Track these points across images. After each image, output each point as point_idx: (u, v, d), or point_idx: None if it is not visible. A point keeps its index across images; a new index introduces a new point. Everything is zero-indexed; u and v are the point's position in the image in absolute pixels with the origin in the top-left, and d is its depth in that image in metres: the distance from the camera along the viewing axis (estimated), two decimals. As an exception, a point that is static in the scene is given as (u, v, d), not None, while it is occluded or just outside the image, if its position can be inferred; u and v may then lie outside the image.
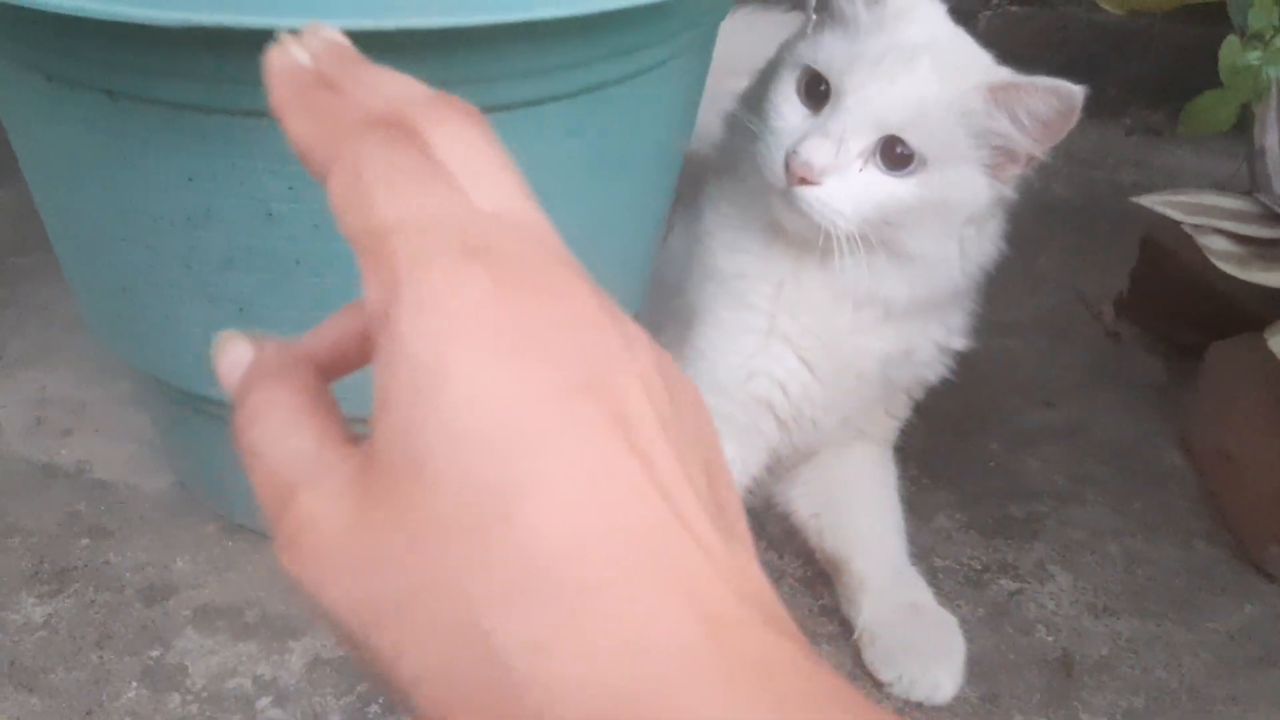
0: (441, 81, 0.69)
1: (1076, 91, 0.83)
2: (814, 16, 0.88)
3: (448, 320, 0.27)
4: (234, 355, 0.32)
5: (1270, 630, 1.01)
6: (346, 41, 0.34)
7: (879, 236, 0.88)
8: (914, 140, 0.85)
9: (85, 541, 1.00)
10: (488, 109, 0.73)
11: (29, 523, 1.01)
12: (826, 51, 0.87)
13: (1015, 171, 0.89)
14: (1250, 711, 0.93)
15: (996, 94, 0.84)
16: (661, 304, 1.05)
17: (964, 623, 0.95)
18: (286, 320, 0.80)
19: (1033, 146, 0.86)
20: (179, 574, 0.97)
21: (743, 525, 0.32)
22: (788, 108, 0.89)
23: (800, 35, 0.92)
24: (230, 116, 0.70)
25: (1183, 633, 1.00)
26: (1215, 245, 0.90)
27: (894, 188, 0.86)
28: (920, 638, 0.93)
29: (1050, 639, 0.98)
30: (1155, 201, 0.92)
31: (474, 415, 0.26)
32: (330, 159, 0.31)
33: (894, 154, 0.86)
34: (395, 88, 0.32)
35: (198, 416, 0.92)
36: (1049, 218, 1.63)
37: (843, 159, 0.85)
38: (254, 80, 0.68)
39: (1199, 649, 0.98)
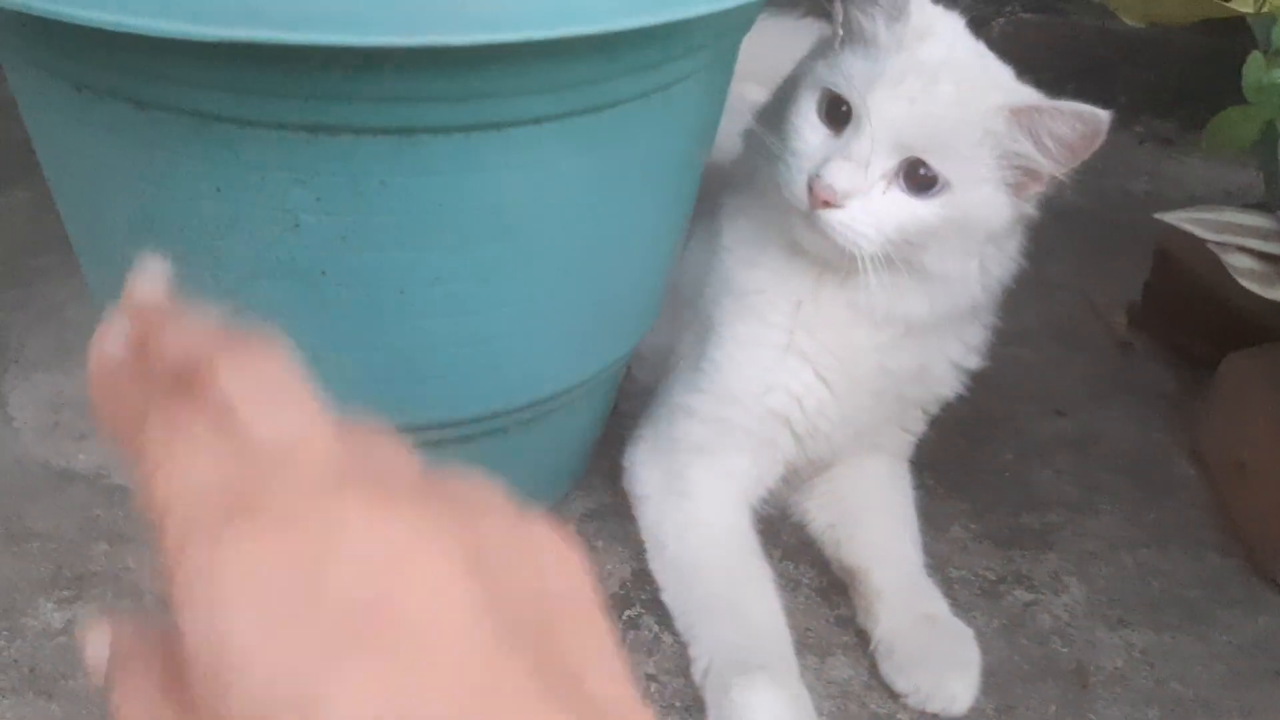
0: (464, 96, 0.70)
1: (1102, 116, 0.83)
2: (840, 33, 0.88)
3: (215, 597, 0.27)
4: (95, 645, 0.32)
5: (1282, 642, 1.01)
6: (158, 293, 0.35)
7: (901, 256, 0.88)
8: (936, 163, 0.85)
9: (104, 547, 1.00)
10: (507, 124, 0.74)
11: (46, 528, 1.01)
12: (846, 73, 0.86)
13: (1036, 190, 0.89)
14: (1264, 724, 0.93)
15: (1020, 116, 0.84)
16: (676, 315, 1.05)
17: (979, 634, 0.96)
18: (312, 330, 0.80)
19: (1055, 168, 0.86)
20: (197, 580, 0.97)
21: (616, 688, 0.31)
22: (808, 129, 0.89)
23: (819, 54, 0.92)
24: (259, 128, 0.70)
25: (1196, 644, 1.00)
26: (1239, 263, 0.90)
27: (917, 209, 0.86)
28: (936, 649, 0.93)
29: (1065, 650, 0.99)
30: (1179, 219, 0.92)
31: (257, 689, 0.27)
32: (130, 450, 0.32)
33: (917, 176, 0.85)
34: (193, 337, 0.33)
35: (218, 423, 0.92)
36: (1060, 225, 1.61)
37: (866, 182, 0.85)
38: (282, 93, 0.69)
39: (1212, 661, 0.99)
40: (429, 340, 0.82)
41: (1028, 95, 0.87)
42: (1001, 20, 1.89)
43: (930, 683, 0.91)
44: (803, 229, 0.90)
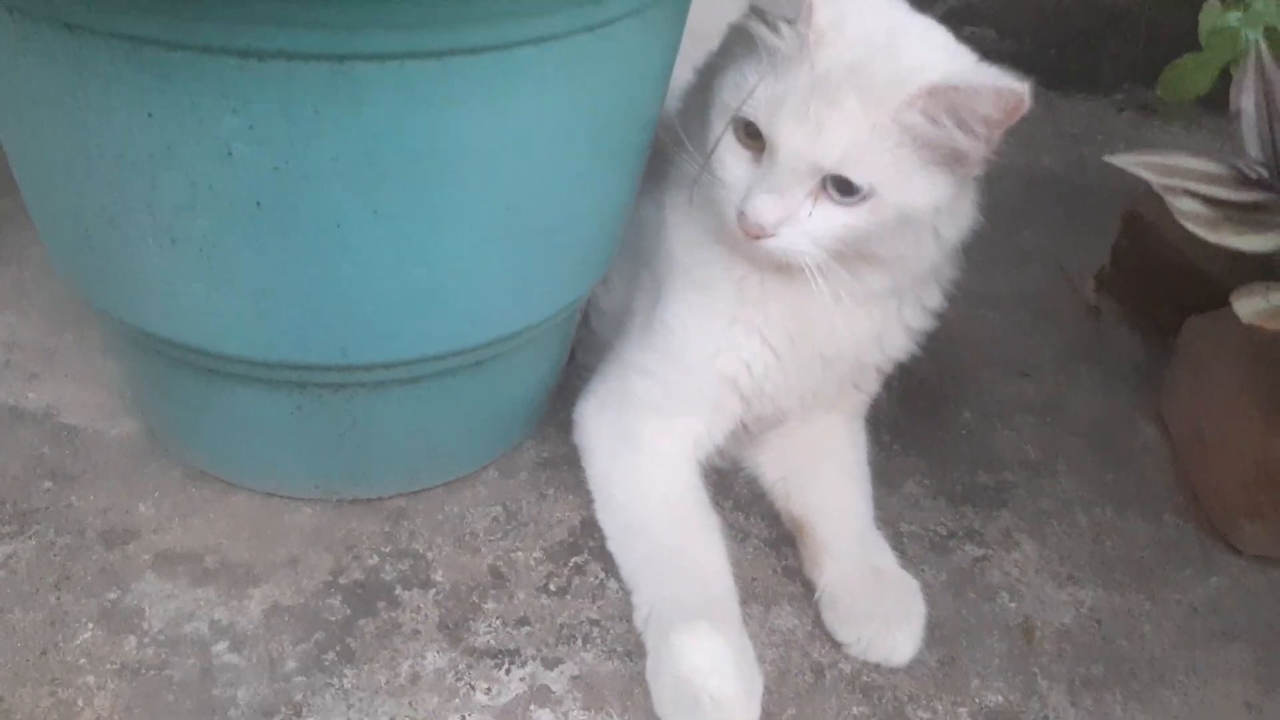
0: (414, 21, 0.69)
1: (1020, 90, 0.79)
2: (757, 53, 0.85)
3: None
4: None
5: (1233, 604, 1.01)
6: None
7: (851, 252, 0.88)
8: (855, 176, 0.83)
9: (48, 484, 1.00)
10: (443, 53, 0.73)
11: (-7, 464, 1.01)
12: (756, 95, 0.84)
13: (976, 161, 0.87)
14: (1209, 683, 0.93)
15: (937, 97, 0.81)
16: (633, 272, 1.05)
17: (927, 588, 0.95)
18: (248, 265, 0.80)
19: (981, 146, 0.83)
20: (141, 519, 0.97)
21: None
22: (731, 158, 0.88)
23: (730, 61, 0.89)
24: (190, 52, 0.69)
25: (1146, 604, 1.00)
26: (1185, 207, 0.89)
27: (847, 218, 0.85)
28: (880, 601, 0.93)
29: (1013, 605, 0.98)
30: (1128, 161, 0.91)
31: None
32: None
33: (842, 182, 0.84)
34: None
35: (163, 361, 0.92)
36: (1036, 191, 1.62)
37: (789, 207, 0.85)
38: (212, 16, 0.68)
39: (1162, 620, 0.99)
40: (368, 278, 0.81)
41: (951, 70, 0.83)
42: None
43: (872, 633, 0.91)
44: (747, 250, 0.90)
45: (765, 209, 0.85)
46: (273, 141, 0.73)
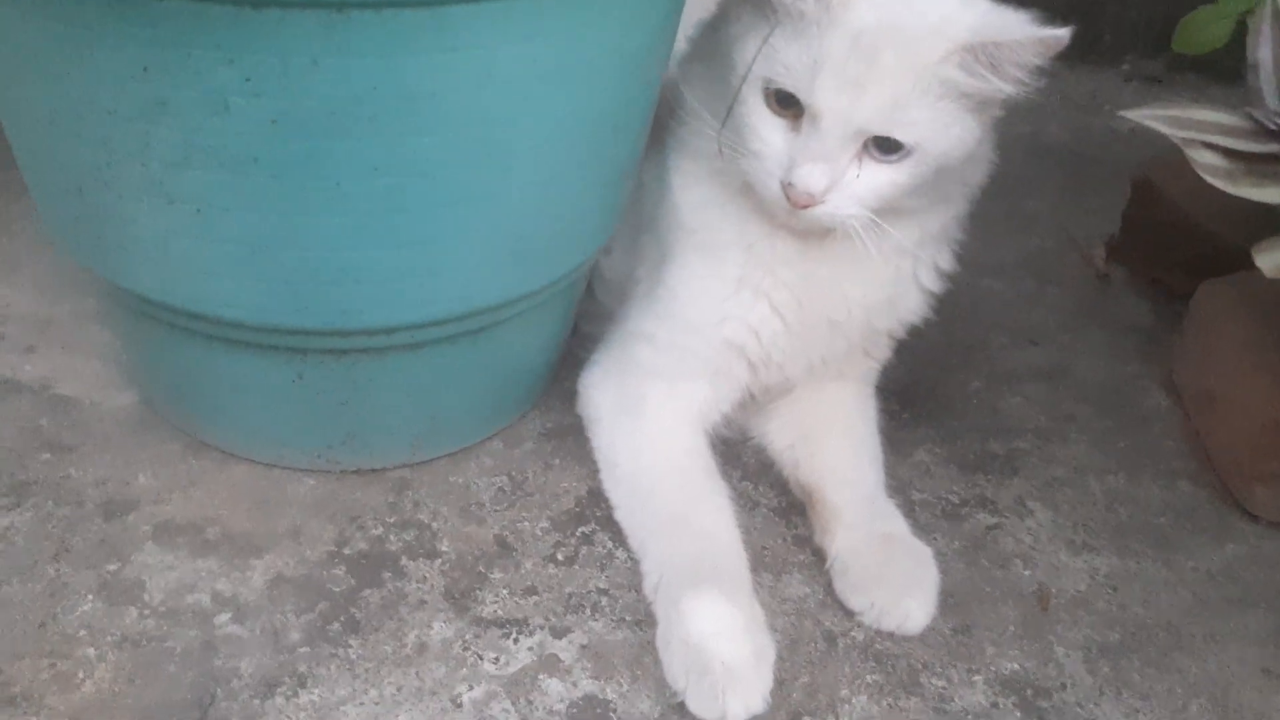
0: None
1: (1063, 35, 0.78)
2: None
3: None
4: None
5: (1249, 570, 0.99)
6: None
7: (891, 207, 0.87)
8: (901, 134, 0.82)
9: (46, 456, 0.98)
10: (440, 1, 0.71)
11: (-12, 436, 1.00)
12: (784, 62, 0.82)
13: (999, 104, 0.86)
14: (1226, 649, 0.92)
15: (976, 52, 0.79)
16: (636, 239, 1.03)
17: (940, 556, 0.94)
18: (245, 223, 0.78)
19: (1018, 89, 0.82)
20: (140, 490, 0.95)
21: None
22: (765, 129, 0.86)
23: (746, 35, 0.86)
24: (184, 2, 0.67)
25: (1162, 570, 0.98)
26: (1205, 160, 0.87)
27: (894, 174, 0.84)
28: (893, 568, 0.92)
29: (1027, 573, 0.97)
30: (1146, 115, 0.89)
31: None
32: None
33: (885, 141, 0.83)
34: None
35: (161, 329, 0.90)
36: (1042, 160, 1.60)
37: (836, 173, 0.83)
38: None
39: (1177, 587, 0.97)
40: (367, 238, 0.79)
41: (981, 21, 0.81)
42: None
43: (885, 600, 0.90)
44: (790, 220, 0.88)
45: (814, 177, 0.83)
46: (270, 94, 0.71)
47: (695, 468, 0.96)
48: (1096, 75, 1.84)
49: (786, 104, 0.84)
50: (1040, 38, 0.79)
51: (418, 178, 0.77)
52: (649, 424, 0.97)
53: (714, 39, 0.92)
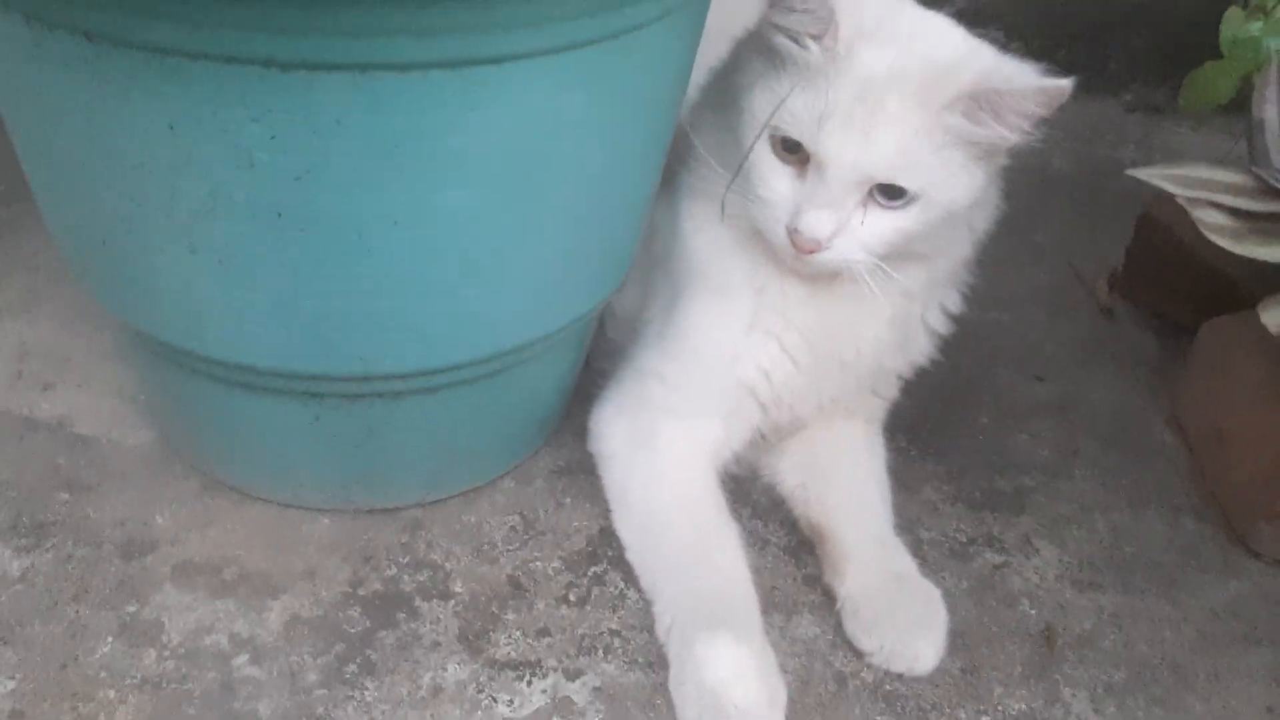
0: (421, 32, 0.69)
1: (1065, 86, 0.79)
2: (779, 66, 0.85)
3: None
4: None
5: (1255, 608, 1.00)
6: None
7: (896, 253, 0.88)
8: (906, 182, 0.83)
9: (65, 496, 0.99)
10: (466, 62, 0.73)
11: (7, 475, 1.00)
12: (791, 110, 0.84)
13: (1003, 155, 0.87)
14: (1231, 688, 0.93)
15: (979, 99, 0.81)
16: (648, 276, 1.04)
17: (947, 594, 0.95)
18: (268, 274, 0.79)
19: (1021, 137, 0.83)
20: (159, 530, 0.96)
21: None
22: (772, 175, 0.87)
23: (751, 72, 0.88)
24: (212, 62, 0.68)
25: (1167, 608, 0.99)
26: (1210, 219, 0.89)
27: (899, 221, 0.86)
28: (903, 608, 0.93)
29: (1033, 612, 0.98)
30: (1151, 175, 0.91)
31: None
32: None
33: (890, 188, 0.84)
34: None
35: (180, 371, 0.91)
36: (1047, 192, 1.61)
37: (842, 220, 0.85)
38: (234, 24, 0.67)
39: (1182, 625, 0.98)
40: (390, 288, 0.81)
41: (986, 69, 0.82)
42: (992, -16, 1.86)
43: (895, 642, 0.91)
44: (795, 265, 0.90)
45: (819, 224, 0.84)
46: (294, 151, 0.72)
47: (707, 507, 0.97)
48: (1099, 105, 1.86)
49: (793, 150, 0.86)
50: (1042, 87, 0.80)
51: (441, 229, 0.78)
52: (661, 462, 0.98)
53: (724, 86, 0.93)
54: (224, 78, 0.69)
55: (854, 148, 0.82)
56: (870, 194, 0.85)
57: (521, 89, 0.74)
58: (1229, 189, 0.89)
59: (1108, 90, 1.86)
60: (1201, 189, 0.89)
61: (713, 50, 0.97)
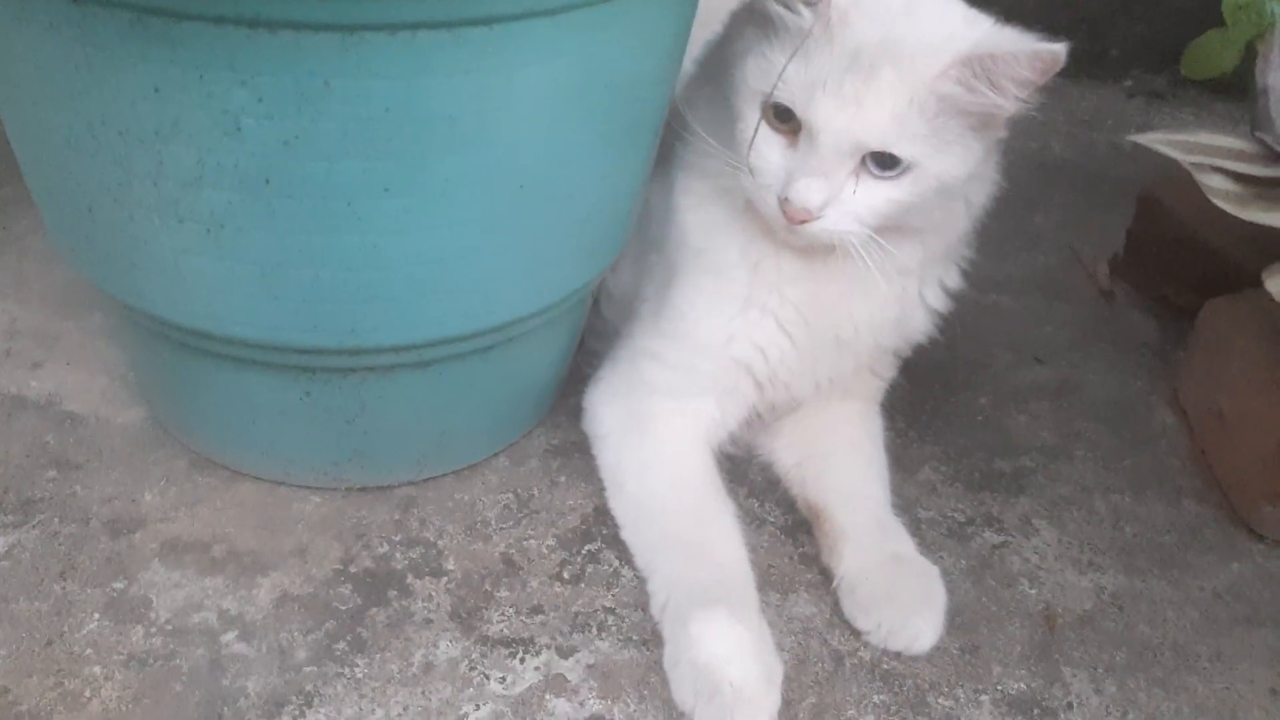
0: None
1: (1059, 51, 0.78)
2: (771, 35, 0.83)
3: None
4: None
5: (1257, 589, 0.99)
6: None
7: (890, 225, 0.87)
8: (899, 150, 0.82)
9: (52, 473, 0.98)
10: (471, 22, 0.71)
11: (-5, 453, 0.99)
12: (784, 79, 0.82)
13: (1003, 120, 0.86)
14: (1233, 669, 0.91)
15: (973, 64, 0.79)
16: (642, 256, 1.03)
17: (946, 574, 0.94)
18: (257, 243, 0.78)
19: (1016, 105, 0.82)
20: (147, 507, 0.95)
21: None
22: (764, 145, 0.86)
23: (743, 46, 0.87)
24: (198, 23, 0.67)
25: (1168, 589, 0.98)
26: (1214, 184, 0.88)
27: (891, 191, 0.84)
28: (900, 587, 0.91)
29: (1033, 592, 0.97)
30: (1154, 140, 0.90)
31: None
32: None
33: (883, 157, 0.83)
34: None
35: (168, 346, 0.90)
36: (1046, 177, 1.60)
37: (833, 189, 0.84)
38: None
39: (1184, 606, 0.97)
40: (380, 258, 0.79)
41: (980, 37, 0.82)
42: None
43: (893, 620, 0.89)
44: (788, 238, 0.89)
45: (810, 193, 0.83)
46: (282, 115, 0.71)
47: (703, 486, 0.96)
48: (1099, 91, 1.85)
49: (785, 119, 0.85)
50: (1035, 50, 0.79)
51: (432, 198, 0.77)
52: (656, 442, 0.97)
53: (718, 59, 0.92)
54: (210, 39, 0.68)
55: (846, 115, 0.81)
56: (863, 163, 0.83)
57: (514, 52, 0.73)
58: (1233, 155, 0.88)
59: (1108, 76, 1.85)
60: (1205, 155, 0.88)
61: (707, 27, 0.96)
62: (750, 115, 0.86)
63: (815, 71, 0.81)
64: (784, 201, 0.84)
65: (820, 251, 0.91)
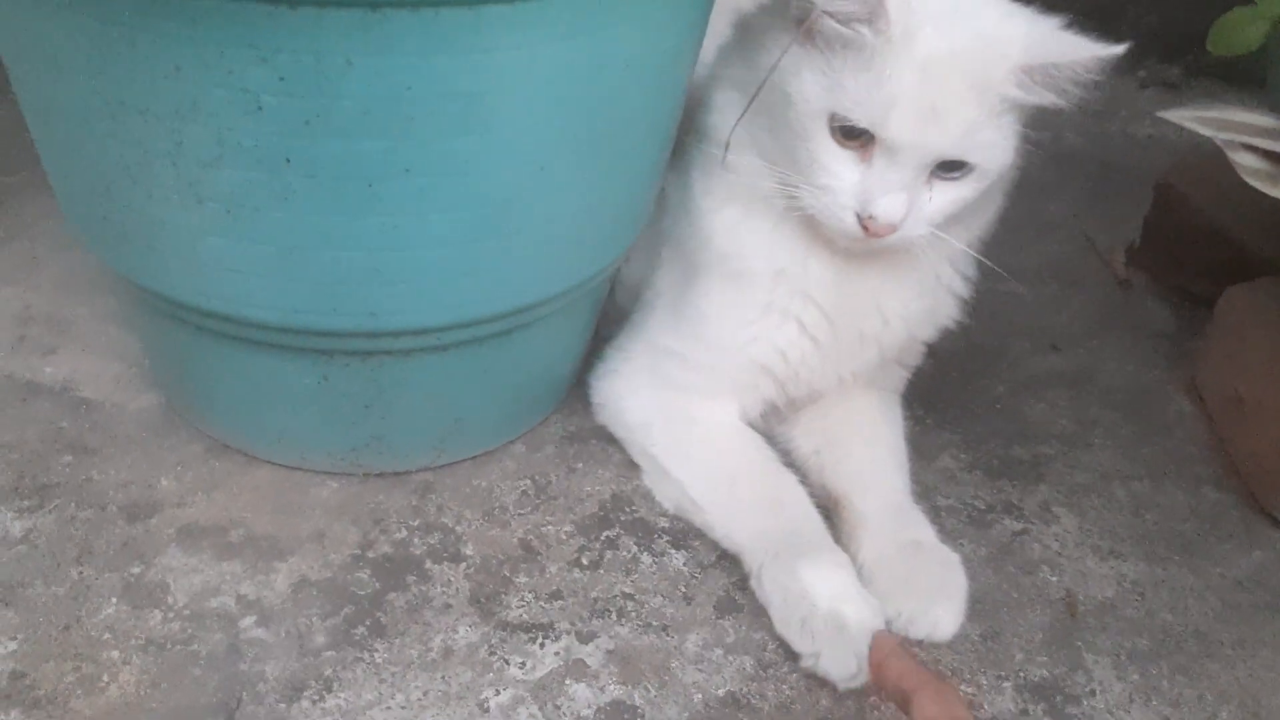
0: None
1: (1119, 52, 0.81)
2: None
3: None
4: None
5: (1278, 576, 0.98)
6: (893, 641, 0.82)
7: (950, 222, 0.88)
8: (971, 155, 0.84)
9: (68, 458, 0.97)
10: (478, 0, 0.70)
11: (10, 438, 0.99)
12: (851, 97, 0.82)
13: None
14: (1256, 656, 0.91)
15: (1034, 73, 0.81)
16: (657, 244, 1.02)
17: (966, 562, 0.93)
18: (276, 224, 0.77)
19: (1068, 101, 0.84)
20: (163, 492, 0.95)
21: None
22: (834, 162, 0.85)
23: (800, 70, 0.85)
24: (219, 1, 0.67)
25: (1189, 577, 0.98)
26: (1245, 161, 0.87)
27: (958, 191, 0.86)
28: (921, 575, 0.91)
29: (1054, 579, 0.96)
30: (1184, 116, 0.89)
31: None
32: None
33: (952, 161, 0.84)
34: (906, 671, 0.80)
35: (185, 329, 0.89)
36: (1061, 167, 1.60)
37: (912, 200, 0.85)
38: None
39: (1205, 593, 0.96)
40: (400, 239, 0.79)
41: (1040, 39, 0.83)
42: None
43: (914, 608, 0.89)
44: (853, 246, 0.89)
45: (895, 208, 0.84)
46: (303, 94, 0.70)
47: (761, 450, 0.99)
48: (1112, 81, 1.83)
49: (852, 135, 0.84)
50: (1098, 56, 0.81)
51: (452, 178, 0.77)
52: (704, 424, 0.99)
53: (743, 70, 0.90)
54: (231, 15, 0.67)
55: (925, 130, 0.82)
56: (932, 169, 0.85)
57: (536, 30, 0.73)
58: (1263, 132, 0.88)
59: (1122, 66, 1.84)
60: (1236, 131, 0.88)
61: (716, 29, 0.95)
62: (818, 135, 0.85)
63: (887, 89, 0.81)
64: (868, 219, 0.85)
65: (872, 254, 0.91)
